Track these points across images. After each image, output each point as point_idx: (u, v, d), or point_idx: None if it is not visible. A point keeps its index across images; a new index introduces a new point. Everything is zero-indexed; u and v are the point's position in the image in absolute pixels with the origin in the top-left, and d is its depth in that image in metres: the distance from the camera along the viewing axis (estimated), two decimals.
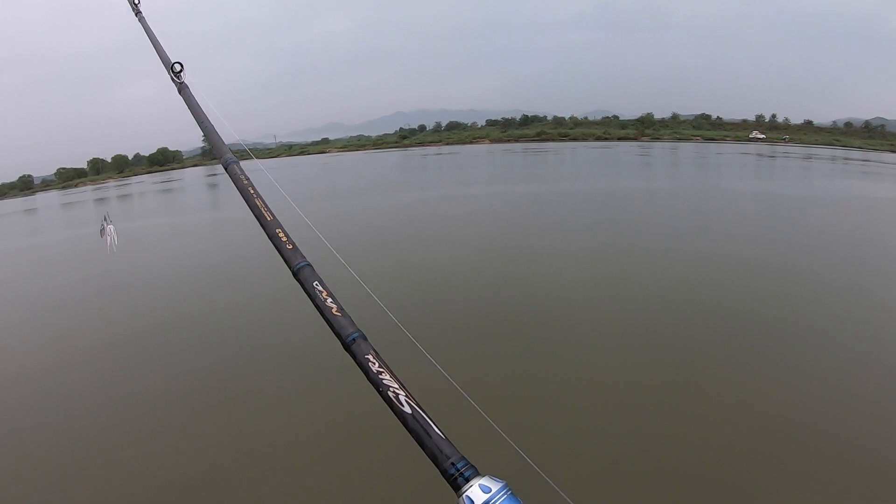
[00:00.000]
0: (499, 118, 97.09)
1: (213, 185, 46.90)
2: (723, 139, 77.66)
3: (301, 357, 7.06)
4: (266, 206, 1.14)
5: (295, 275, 0.94)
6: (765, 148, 59.69)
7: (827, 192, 20.15)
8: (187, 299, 10.69)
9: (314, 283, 0.91)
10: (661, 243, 11.50)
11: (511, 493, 0.68)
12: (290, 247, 1.03)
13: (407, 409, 0.76)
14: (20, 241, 25.22)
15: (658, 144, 62.16)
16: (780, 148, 59.54)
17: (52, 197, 70.46)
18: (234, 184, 1.25)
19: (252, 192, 1.19)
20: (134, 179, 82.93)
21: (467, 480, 0.69)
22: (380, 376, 0.78)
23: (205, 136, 1.48)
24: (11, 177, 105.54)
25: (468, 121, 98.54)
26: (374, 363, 0.80)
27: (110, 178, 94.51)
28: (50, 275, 14.84)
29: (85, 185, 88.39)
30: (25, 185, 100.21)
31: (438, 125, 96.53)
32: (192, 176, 69.57)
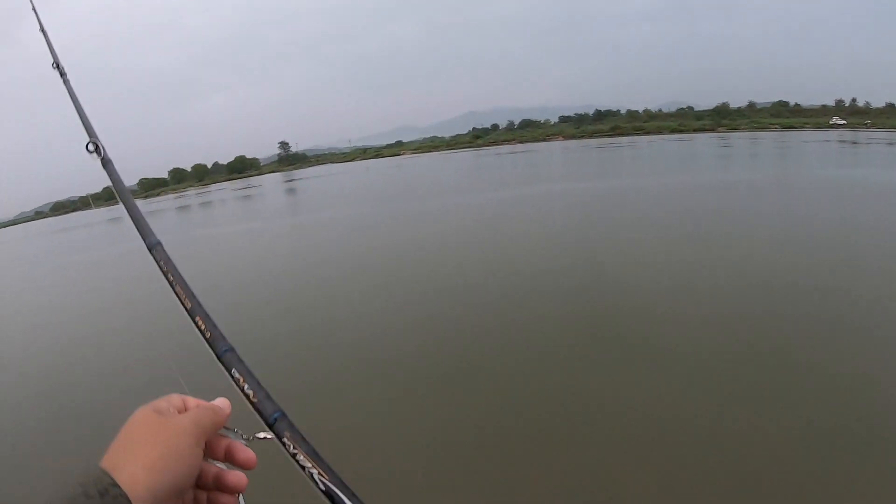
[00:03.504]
0: (571, 114, 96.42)
1: (291, 191, 49.24)
2: (802, 127, 74.48)
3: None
4: (189, 291, 1.15)
5: (219, 359, 0.96)
6: (847, 134, 56.76)
7: None
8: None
9: (232, 370, 0.93)
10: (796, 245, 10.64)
11: None
12: (209, 335, 1.02)
13: (322, 487, 0.76)
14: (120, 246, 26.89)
15: (736, 135, 60.33)
16: (862, 134, 56.49)
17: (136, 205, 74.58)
18: (158, 268, 1.25)
19: (172, 278, 1.19)
20: (214, 187, 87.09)
21: None
22: (296, 457, 0.79)
23: (128, 213, 1.43)
24: (96, 188, 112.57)
25: (540, 118, 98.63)
26: (290, 444, 0.81)
27: (191, 186, 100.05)
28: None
29: (166, 193, 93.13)
30: (110, 196, 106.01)
31: (511, 124, 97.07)
32: (271, 182, 72.13)
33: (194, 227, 30.30)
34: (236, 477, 0.72)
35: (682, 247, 10.86)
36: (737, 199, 16.43)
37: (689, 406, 4.95)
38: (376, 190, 35.44)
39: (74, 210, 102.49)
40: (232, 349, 0.96)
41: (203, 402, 0.72)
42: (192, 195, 73.69)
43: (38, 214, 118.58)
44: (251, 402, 0.89)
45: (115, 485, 0.55)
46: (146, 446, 0.60)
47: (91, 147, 1.52)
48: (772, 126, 75.57)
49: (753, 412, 4.71)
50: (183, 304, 1.12)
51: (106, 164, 1.55)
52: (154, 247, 1.30)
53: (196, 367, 1.13)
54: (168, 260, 1.25)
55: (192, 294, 1.13)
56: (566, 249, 11.71)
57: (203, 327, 1.05)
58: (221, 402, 0.74)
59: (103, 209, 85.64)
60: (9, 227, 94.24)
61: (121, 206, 1.41)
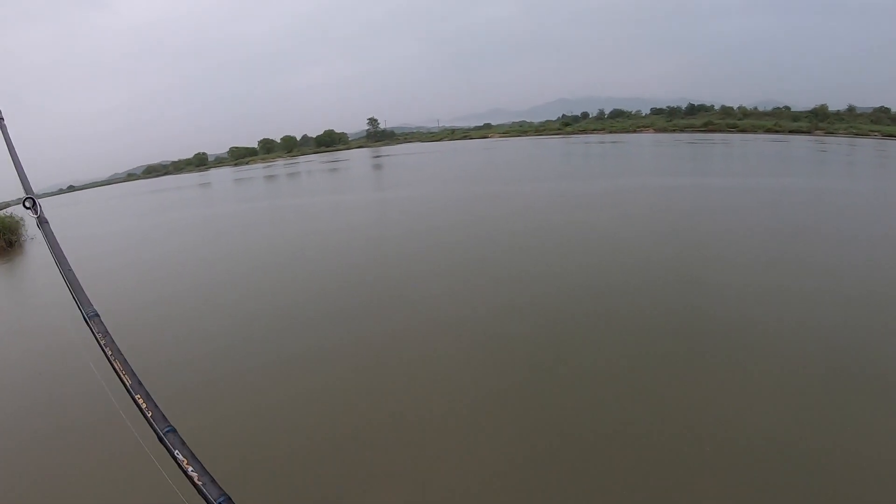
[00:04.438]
0: (664, 106, 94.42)
1: (377, 167, 51.00)
2: None
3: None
4: (128, 367, 1.03)
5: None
6: None
7: None
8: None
9: (175, 452, 0.87)
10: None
11: None
12: (150, 413, 0.96)
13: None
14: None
15: (833, 140, 58.65)
16: None
17: (226, 172, 78.94)
18: (96, 341, 1.13)
19: (110, 352, 1.07)
20: (302, 158, 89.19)
21: None
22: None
23: (65, 280, 1.28)
24: (188, 154, 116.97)
25: (632, 108, 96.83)
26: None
27: (279, 156, 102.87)
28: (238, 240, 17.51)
29: (256, 162, 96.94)
30: (200, 162, 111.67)
31: (601, 112, 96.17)
32: (358, 156, 74.57)
33: (283, 196, 32.02)
34: None
35: (782, 259, 10.50)
36: (839, 209, 15.84)
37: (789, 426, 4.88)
38: (464, 171, 36.57)
39: (166, 174, 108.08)
40: (173, 429, 0.87)
41: None
42: (279, 165, 76.75)
43: (130, 176, 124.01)
44: (195, 485, 0.88)
45: None
46: None
47: (28, 203, 1.48)
48: (871, 133, 72.51)
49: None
50: (122, 380, 1.05)
51: (42, 223, 1.52)
52: (92, 318, 1.24)
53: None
54: (106, 333, 1.18)
55: (132, 371, 1.05)
56: (649, 250, 11.55)
57: (144, 406, 0.97)
58: None
59: (195, 174, 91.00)
60: (103, 187, 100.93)
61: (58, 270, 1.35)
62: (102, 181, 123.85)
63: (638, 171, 29.09)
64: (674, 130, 74.93)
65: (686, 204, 17.42)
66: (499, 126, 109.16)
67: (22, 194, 1.44)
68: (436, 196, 23.03)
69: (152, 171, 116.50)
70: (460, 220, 16.53)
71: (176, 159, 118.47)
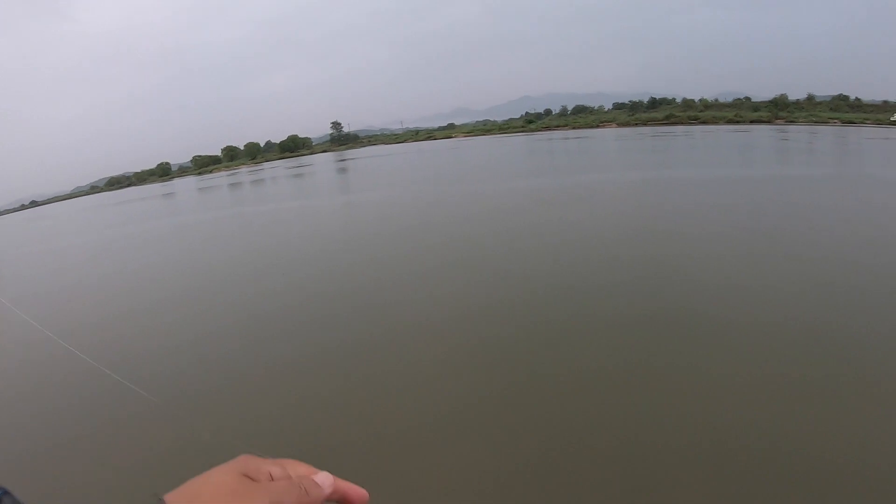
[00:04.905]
0: (626, 101, 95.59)
1: (342, 170, 50.24)
2: (862, 122, 72.37)
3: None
4: None
5: None
6: None
7: None
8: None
9: None
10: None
11: None
12: None
13: None
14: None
15: (794, 128, 59.21)
16: None
17: (190, 181, 77.67)
18: None
19: None
20: (266, 165, 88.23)
21: None
22: None
23: None
24: (150, 164, 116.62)
25: (595, 104, 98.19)
26: None
27: (243, 164, 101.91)
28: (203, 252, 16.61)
29: (219, 170, 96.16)
30: (164, 172, 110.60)
31: (565, 109, 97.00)
32: (322, 161, 73.62)
33: (246, 204, 31.17)
34: None
35: (750, 245, 10.41)
36: (810, 196, 15.99)
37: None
38: (429, 172, 36.29)
39: (129, 185, 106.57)
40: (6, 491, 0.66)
41: (302, 473, 0.62)
42: (244, 172, 75.50)
43: (94, 188, 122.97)
44: None
45: None
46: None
47: None
48: (831, 120, 73.72)
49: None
50: None
51: None
52: None
53: None
54: None
55: None
56: (624, 246, 11.28)
57: None
58: (322, 479, 0.62)
59: (158, 184, 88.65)
60: (66, 201, 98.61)
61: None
62: (65, 195, 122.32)
63: (604, 166, 29.11)
64: (636, 124, 75.66)
65: (655, 197, 17.22)
66: (463, 125, 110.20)
67: None
68: (403, 198, 22.62)
69: (115, 183, 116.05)
70: (431, 222, 16.18)
71: (139, 170, 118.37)
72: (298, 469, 0.62)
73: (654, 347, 6.34)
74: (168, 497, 0.50)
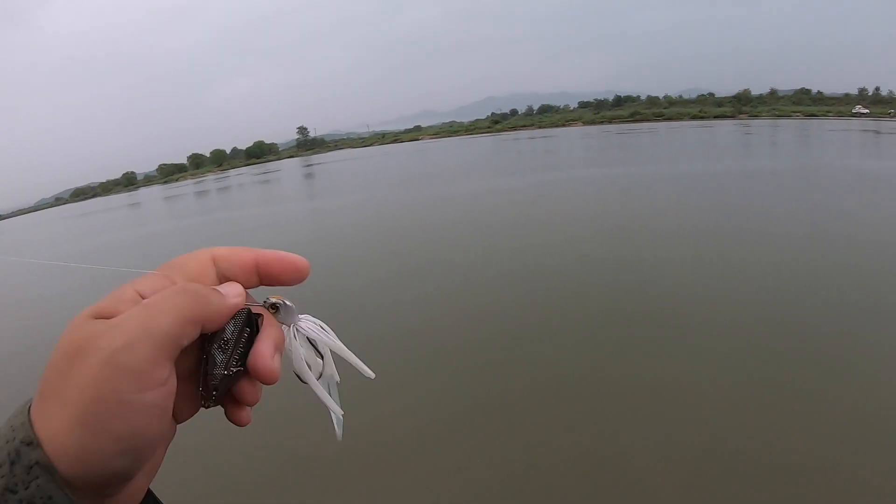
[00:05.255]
0: (591, 100, 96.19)
1: (309, 175, 49.42)
2: (824, 115, 73.69)
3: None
4: None
5: None
6: (870, 123, 56.02)
7: None
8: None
9: None
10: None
11: None
12: None
13: None
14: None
15: (757, 122, 59.84)
16: (886, 123, 55.81)
17: (156, 191, 75.22)
18: None
19: None
20: (233, 172, 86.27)
21: None
22: None
23: None
24: (116, 174, 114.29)
25: (560, 104, 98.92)
26: None
27: (210, 171, 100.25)
28: None
29: (186, 179, 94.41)
30: (129, 182, 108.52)
31: (530, 109, 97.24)
32: (289, 166, 72.39)
33: (215, 211, 30.42)
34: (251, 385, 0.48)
35: (709, 239, 10.45)
36: (764, 189, 16.22)
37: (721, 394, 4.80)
38: (397, 175, 35.71)
39: (94, 196, 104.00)
40: None
41: (177, 286, 0.42)
42: (210, 180, 73.95)
43: (58, 200, 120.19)
44: None
45: (34, 444, 0.35)
46: (78, 381, 0.36)
47: None
48: (793, 114, 74.85)
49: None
50: None
51: None
52: None
53: None
54: None
55: None
56: (582, 236, 11.47)
57: None
58: (228, 288, 0.46)
59: (123, 194, 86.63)
60: (29, 214, 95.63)
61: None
62: (29, 208, 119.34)
63: (571, 164, 29.09)
64: (602, 122, 76.10)
65: (624, 194, 17.01)
66: (429, 128, 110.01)
67: None
68: (372, 202, 21.96)
69: (80, 194, 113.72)
70: (401, 225, 15.70)
71: (104, 180, 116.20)
72: (162, 283, 0.44)
73: (628, 348, 6.06)
74: (35, 406, 0.37)
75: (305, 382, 0.50)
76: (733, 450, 4.05)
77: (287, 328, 0.49)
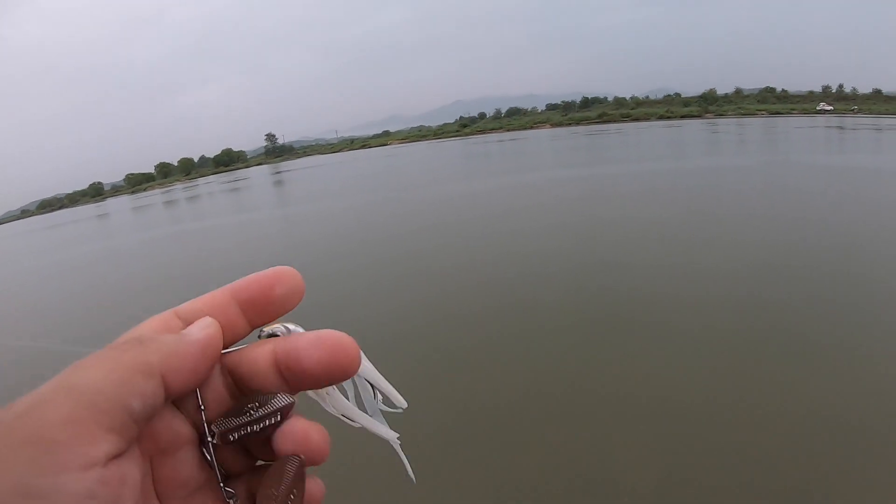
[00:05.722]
0: (559, 102, 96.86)
1: (279, 183, 48.45)
2: (789, 113, 74.91)
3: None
4: None
5: None
6: (834, 120, 57.27)
7: None
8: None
9: None
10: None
11: None
12: None
13: None
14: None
15: (724, 121, 60.52)
16: (849, 119, 56.96)
17: (123, 201, 73.67)
18: None
19: None
20: (201, 181, 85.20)
21: None
22: None
23: None
24: (83, 185, 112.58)
25: (528, 106, 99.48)
26: None
27: (178, 180, 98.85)
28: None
29: (154, 188, 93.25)
30: (96, 192, 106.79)
31: (498, 112, 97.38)
32: (258, 174, 71.12)
33: (185, 222, 29.58)
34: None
35: (681, 232, 10.55)
36: (733, 184, 16.31)
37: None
38: (366, 181, 35.07)
39: (61, 207, 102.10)
40: None
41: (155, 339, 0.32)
42: (179, 189, 72.57)
43: (25, 212, 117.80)
44: None
45: None
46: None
47: None
48: (759, 112, 75.87)
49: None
50: None
51: None
52: None
53: None
54: None
55: None
56: (558, 236, 11.43)
57: None
58: (192, 326, 0.35)
59: (91, 205, 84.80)
60: None
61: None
62: None
63: (541, 165, 29.05)
64: (570, 124, 76.24)
65: (598, 192, 17.18)
66: (397, 133, 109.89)
67: None
68: (346, 208, 21.58)
69: (47, 206, 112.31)
70: (374, 232, 15.30)
71: (71, 191, 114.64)
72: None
73: (603, 351, 5.87)
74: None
75: (353, 420, 0.41)
76: (712, 446, 3.94)
77: None
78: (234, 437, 0.35)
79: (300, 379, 0.35)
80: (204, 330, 0.34)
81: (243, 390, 0.36)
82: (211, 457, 0.34)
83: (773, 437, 3.89)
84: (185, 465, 0.33)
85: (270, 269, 0.38)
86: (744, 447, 3.81)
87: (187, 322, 0.35)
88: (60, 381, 0.27)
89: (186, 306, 0.36)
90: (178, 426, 0.33)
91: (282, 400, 0.35)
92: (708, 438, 4.00)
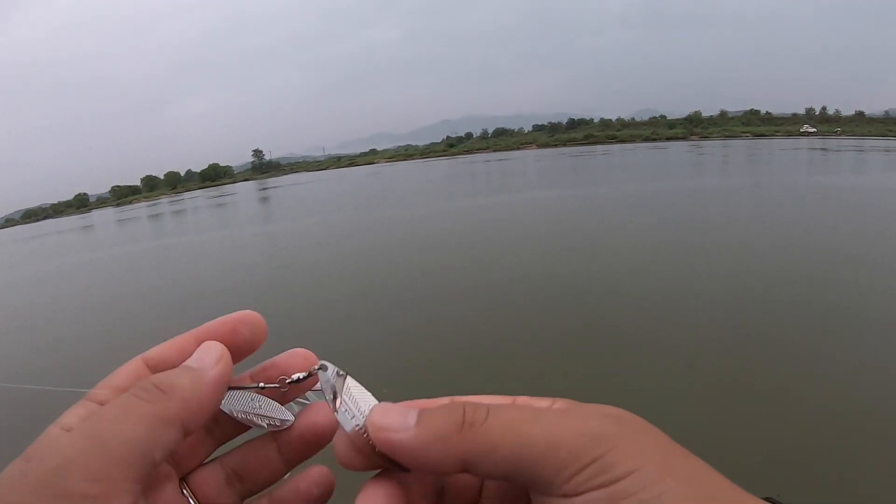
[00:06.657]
0: (545, 122, 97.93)
1: (265, 199, 47.85)
2: (773, 135, 75.88)
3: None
4: None
5: None
6: (817, 142, 58.09)
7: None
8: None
9: None
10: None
11: None
12: None
13: None
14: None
15: (709, 143, 61.13)
16: (832, 141, 57.79)
17: (108, 213, 72.90)
18: None
19: None
20: (187, 195, 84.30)
21: None
22: None
23: None
24: (68, 195, 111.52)
25: (514, 126, 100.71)
26: None
27: (163, 194, 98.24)
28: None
29: (139, 201, 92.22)
30: (81, 203, 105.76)
31: (485, 132, 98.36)
32: (244, 190, 70.58)
33: (169, 235, 28.90)
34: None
35: (672, 251, 10.49)
36: (722, 204, 16.40)
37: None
38: (353, 199, 34.74)
39: (46, 217, 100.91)
40: None
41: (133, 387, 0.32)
42: (164, 203, 71.34)
43: (9, 222, 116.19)
44: None
45: None
46: None
47: None
48: (743, 134, 76.77)
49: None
50: None
51: None
52: None
53: None
54: None
55: None
56: (547, 255, 11.22)
57: None
58: (201, 356, 0.35)
59: (76, 216, 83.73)
60: None
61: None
62: None
63: (529, 185, 28.99)
64: (556, 145, 76.99)
65: (583, 213, 17.01)
66: (384, 151, 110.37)
67: None
68: (333, 225, 21.26)
69: (32, 216, 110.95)
70: (360, 249, 15.01)
71: (56, 201, 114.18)
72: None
73: (594, 363, 5.82)
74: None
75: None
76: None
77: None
78: (237, 416, 0.36)
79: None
80: (218, 364, 0.34)
81: None
82: (189, 496, 0.34)
83: (764, 446, 3.89)
84: (168, 498, 0.34)
85: (234, 313, 0.38)
86: (735, 456, 3.71)
87: (156, 369, 0.34)
88: (91, 432, 0.28)
89: (154, 352, 0.36)
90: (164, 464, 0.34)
91: (290, 414, 0.37)
92: (698, 452, 3.74)
